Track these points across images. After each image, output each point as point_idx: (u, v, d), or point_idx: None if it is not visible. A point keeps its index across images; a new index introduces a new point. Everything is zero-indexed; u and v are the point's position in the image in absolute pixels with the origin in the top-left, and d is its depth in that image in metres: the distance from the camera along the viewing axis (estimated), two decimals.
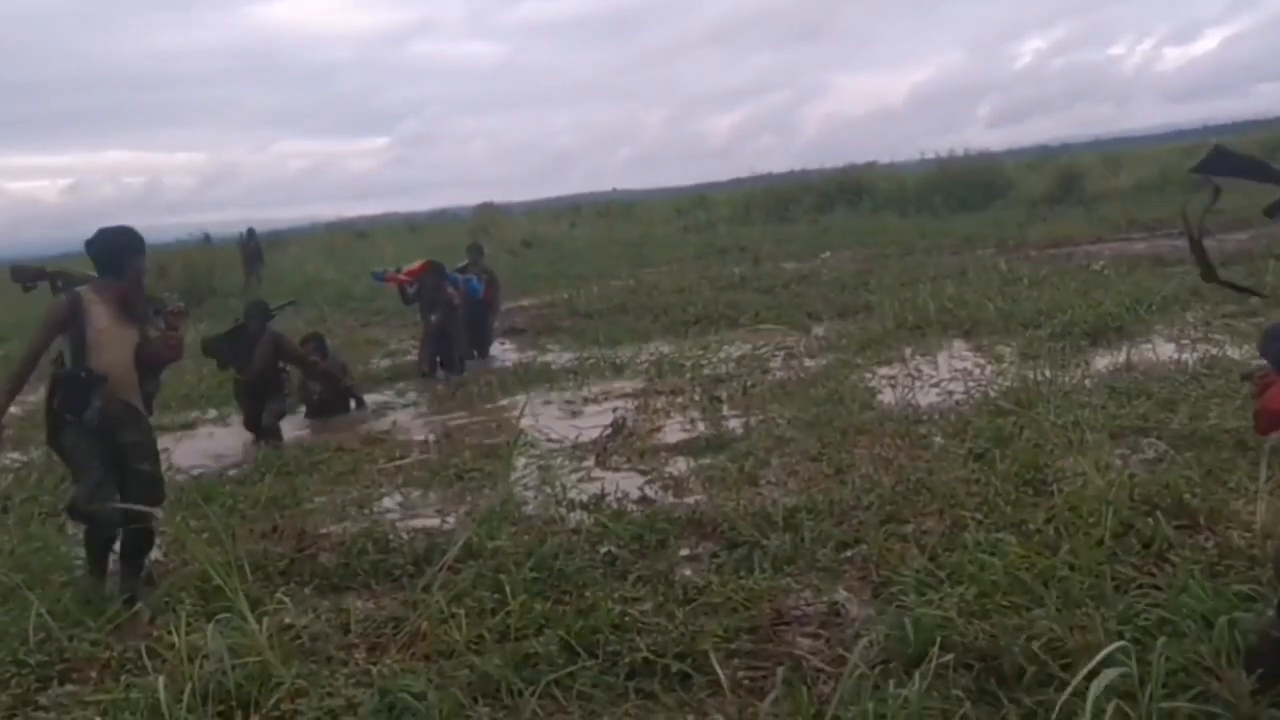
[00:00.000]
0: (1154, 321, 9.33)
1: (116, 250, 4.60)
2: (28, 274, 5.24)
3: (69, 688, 3.75)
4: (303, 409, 9.34)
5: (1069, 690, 2.85)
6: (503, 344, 12.55)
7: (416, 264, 10.82)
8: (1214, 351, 7.62)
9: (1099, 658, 2.88)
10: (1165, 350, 7.99)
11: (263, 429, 8.36)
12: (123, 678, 3.66)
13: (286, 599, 4.31)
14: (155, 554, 5.29)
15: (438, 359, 10.62)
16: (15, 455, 8.30)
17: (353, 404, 9.46)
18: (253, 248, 25.58)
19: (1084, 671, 2.85)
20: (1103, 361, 7.95)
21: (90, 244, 4.61)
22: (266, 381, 8.43)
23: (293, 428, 8.78)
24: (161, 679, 3.40)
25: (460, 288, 10.71)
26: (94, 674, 3.82)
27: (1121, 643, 3.03)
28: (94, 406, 4.44)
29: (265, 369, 8.40)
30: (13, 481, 7.19)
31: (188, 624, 3.79)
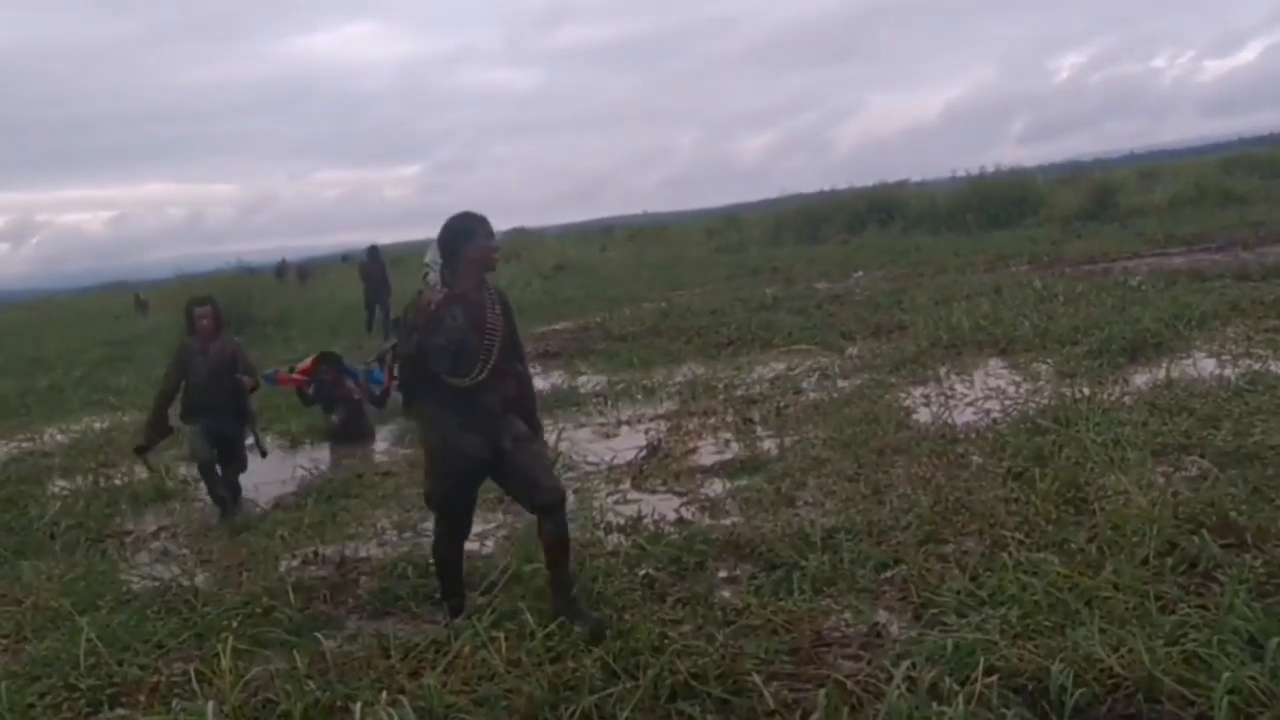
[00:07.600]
0: (1194, 337, 9.19)
1: None
2: None
3: (119, 711, 3.81)
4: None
5: None
6: (535, 368, 12.61)
7: (309, 360, 9.69)
8: (1256, 366, 7.51)
9: None
10: (1206, 366, 7.88)
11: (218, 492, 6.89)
12: (172, 702, 3.72)
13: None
14: (199, 578, 5.38)
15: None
16: (63, 483, 8.46)
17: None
18: (378, 272, 18.57)
19: None
20: (1142, 378, 7.85)
21: None
22: (223, 402, 6.92)
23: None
24: (210, 703, 3.45)
25: (361, 381, 9.44)
26: (143, 698, 3.87)
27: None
28: None
29: (224, 380, 6.97)
30: (60, 509, 7.32)
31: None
